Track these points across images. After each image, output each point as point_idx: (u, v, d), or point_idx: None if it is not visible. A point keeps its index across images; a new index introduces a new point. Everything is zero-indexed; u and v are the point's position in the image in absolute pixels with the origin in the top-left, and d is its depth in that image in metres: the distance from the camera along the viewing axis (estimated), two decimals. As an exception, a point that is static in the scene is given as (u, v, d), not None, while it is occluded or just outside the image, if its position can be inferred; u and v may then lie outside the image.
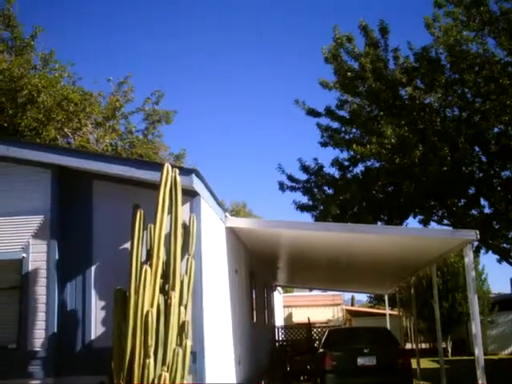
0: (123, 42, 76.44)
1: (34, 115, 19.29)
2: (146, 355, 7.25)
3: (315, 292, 38.33)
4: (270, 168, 24.54)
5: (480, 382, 10.10)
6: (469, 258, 10.64)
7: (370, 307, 43.62)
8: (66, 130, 20.54)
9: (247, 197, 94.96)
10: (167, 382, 7.15)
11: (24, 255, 8.34)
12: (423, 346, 31.66)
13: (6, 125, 19.60)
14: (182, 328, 7.67)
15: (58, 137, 20.30)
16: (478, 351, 10.44)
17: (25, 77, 19.53)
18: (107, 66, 64.80)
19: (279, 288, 28.67)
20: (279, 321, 28.52)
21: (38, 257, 8.48)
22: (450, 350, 28.57)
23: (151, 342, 7.26)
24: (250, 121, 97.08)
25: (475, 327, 10.53)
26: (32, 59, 21.22)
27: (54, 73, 21.14)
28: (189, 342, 7.65)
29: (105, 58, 70.40)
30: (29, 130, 19.46)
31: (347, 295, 56.96)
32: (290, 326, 26.97)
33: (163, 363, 7.39)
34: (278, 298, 29.20)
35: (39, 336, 8.32)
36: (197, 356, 8.05)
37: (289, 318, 35.54)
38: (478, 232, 10.43)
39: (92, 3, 64.34)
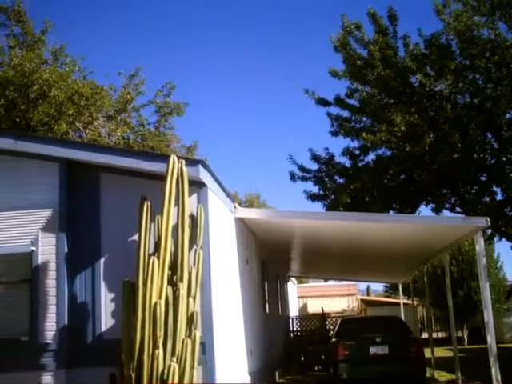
0: (134, 34, 76.53)
1: (46, 110, 19.43)
2: (155, 346, 7.30)
3: (330, 282, 38.37)
4: (284, 158, 24.45)
5: (493, 369, 10.05)
6: (480, 245, 10.56)
7: (386, 297, 43.58)
8: (77, 124, 20.66)
9: (261, 188, 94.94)
10: (176, 372, 7.19)
11: (33, 248, 8.43)
12: (439, 335, 31.56)
13: (18, 120, 19.78)
14: (190, 319, 7.71)
15: (70, 131, 20.43)
16: (491, 339, 10.38)
17: (36, 72, 19.66)
18: (118, 59, 64.97)
19: (293, 279, 28.70)
20: (294, 311, 28.55)
21: (48, 250, 8.56)
22: (466, 338, 28.40)
23: (160, 333, 7.31)
24: (262, 112, 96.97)
25: (487, 315, 10.44)
26: (43, 54, 21.34)
27: (64, 67, 21.27)
28: (198, 333, 7.68)
29: (116, 51, 70.64)
30: (41, 124, 19.62)
31: (363, 285, 57.04)
32: (304, 317, 26.98)
33: (172, 354, 7.43)
34: (292, 288, 29.23)
35: (50, 328, 8.41)
36: (206, 346, 8.09)
37: (304, 308, 35.61)
38: (488, 219, 10.35)
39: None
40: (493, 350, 10.21)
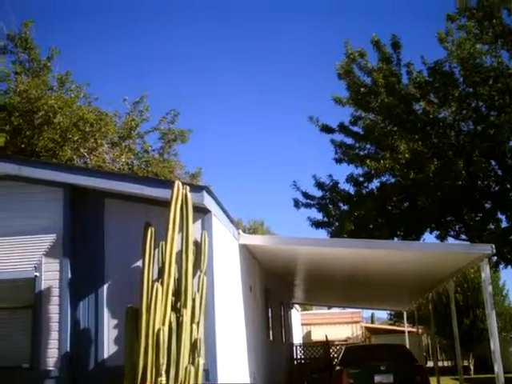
0: (139, 60, 77.10)
1: (51, 136, 19.49)
2: (158, 373, 7.23)
3: (334, 310, 38.13)
4: (288, 185, 24.53)
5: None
6: (485, 272, 10.52)
7: (391, 325, 43.23)
8: (82, 150, 20.69)
9: (265, 215, 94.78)
10: (179, 400, 7.11)
11: (36, 274, 8.38)
12: (445, 364, 31.17)
13: (23, 146, 19.82)
14: (194, 345, 7.64)
15: (74, 157, 20.46)
16: (498, 368, 10.26)
17: (41, 98, 19.76)
18: (123, 85, 65.23)
19: (297, 306, 28.48)
20: (297, 339, 28.30)
21: (51, 275, 8.52)
22: (472, 367, 28.04)
23: (163, 359, 7.24)
24: (267, 137, 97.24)
25: (494, 343, 10.34)
26: (49, 80, 21.45)
27: (70, 93, 21.35)
28: (201, 360, 7.61)
29: (121, 78, 71.10)
30: (45, 150, 19.66)
31: (367, 313, 56.62)
32: (308, 344, 26.71)
33: (175, 381, 7.35)
34: (296, 315, 29.00)
35: (52, 355, 8.34)
36: (209, 373, 8.00)
37: (307, 335, 35.28)
38: (493, 246, 10.32)
39: (106, 24, 65.20)
40: (500, 379, 10.10)
